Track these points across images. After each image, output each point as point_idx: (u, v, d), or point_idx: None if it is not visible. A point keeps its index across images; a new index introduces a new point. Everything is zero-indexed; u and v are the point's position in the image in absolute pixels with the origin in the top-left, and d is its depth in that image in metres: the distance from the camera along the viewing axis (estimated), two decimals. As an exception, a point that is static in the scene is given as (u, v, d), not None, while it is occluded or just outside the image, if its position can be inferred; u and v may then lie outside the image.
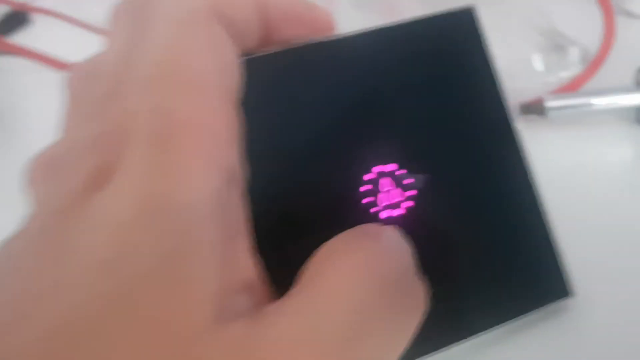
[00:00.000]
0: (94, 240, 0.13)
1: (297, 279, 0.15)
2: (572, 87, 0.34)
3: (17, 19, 0.44)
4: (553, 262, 0.21)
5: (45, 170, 0.16)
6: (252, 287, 0.15)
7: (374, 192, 0.20)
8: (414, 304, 0.16)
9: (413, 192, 0.20)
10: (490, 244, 0.21)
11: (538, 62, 0.35)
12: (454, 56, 0.21)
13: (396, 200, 0.20)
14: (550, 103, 0.32)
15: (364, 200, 0.20)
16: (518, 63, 0.35)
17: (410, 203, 0.20)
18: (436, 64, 0.21)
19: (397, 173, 0.20)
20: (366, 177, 0.20)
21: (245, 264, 0.15)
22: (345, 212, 0.19)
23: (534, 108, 0.32)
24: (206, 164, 0.13)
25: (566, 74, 0.34)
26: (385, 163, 0.20)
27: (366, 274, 0.14)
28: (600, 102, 0.32)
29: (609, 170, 0.30)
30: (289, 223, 0.19)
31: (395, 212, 0.20)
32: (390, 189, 0.20)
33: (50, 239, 0.13)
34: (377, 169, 0.20)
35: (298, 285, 0.14)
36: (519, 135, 0.21)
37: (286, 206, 0.19)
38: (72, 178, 0.14)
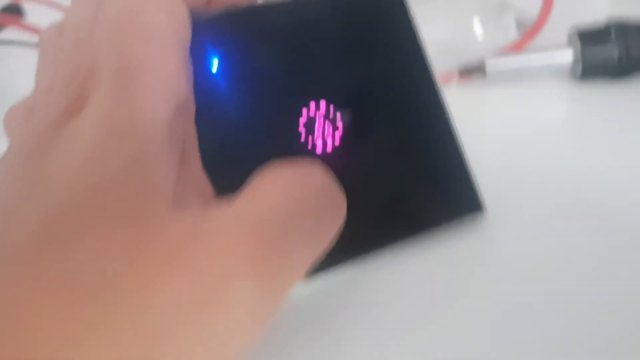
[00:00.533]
0: (70, 154, 0.16)
1: (243, 186, 0.18)
2: (513, 49, 0.38)
3: (12, 10, 0.48)
4: (466, 181, 0.25)
5: (21, 114, 0.20)
6: (202, 190, 0.19)
7: (309, 129, 0.23)
8: (334, 211, 0.19)
9: (340, 125, 0.24)
10: (408, 167, 0.24)
11: (480, 27, 0.38)
12: (380, 11, 0.25)
13: (328, 135, 0.24)
14: (489, 63, 0.35)
15: (302, 139, 0.23)
16: (463, 27, 0.38)
17: (339, 135, 0.24)
18: (364, 18, 0.25)
19: (329, 110, 0.24)
20: (302, 118, 0.23)
21: (196, 172, 0.18)
22: (285, 141, 0.23)
23: (475, 68, 0.35)
24: (160, 93, 0.17)
25: (508, 38, 0.38)
26: (316, 100, 0.23)
27: (297, 182, 0.18)
28: (536, 60, 0.35)
29: (543, 119, 0.34)
30: (238, 153, 0.22)
31: (328, 145, 0.24)
32: (321, 126, 0.24)
33: (32, 155, 0.17)
34: (311, 106, 0.23)
35: (242, 189, 0.18)
36: (436, 79, 0.25)
37: (235, 138, 0.22)
38: (50, 111, 0.17)
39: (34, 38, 0.50)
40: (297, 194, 0.18)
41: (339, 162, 0.23)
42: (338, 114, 0.24)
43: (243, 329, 0.16)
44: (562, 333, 0.22)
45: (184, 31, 0.19)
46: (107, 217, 0.15)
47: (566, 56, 0.35)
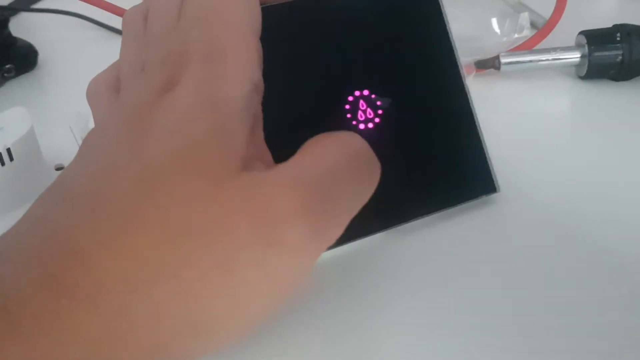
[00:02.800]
0: (166, 121, 0.20)
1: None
2: (525, 47, 0.41)
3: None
4: (483, 165, 0.28)
5: (105, 86, 0.24)
6: (264, 157, 0.22)
7: (354, 109, 0.27)
8: (372, 171, 0.22)
9: (381, 111, 0.27)
10: (433, 150, 0.28)
11: (497, 26, 0.41)
12: (415, 11, 0.28)
13: (370, 115, 0.27)
14: (503, 58, 0.39)
15: (348, 115, 0.27)
16: (482, 25, 0.42)
17: (378, 119, 0.27)
18: (399, 17, 0.28)
19: (370, 97, 0.27)
20: (349, 98, 0.27)
21: (260, 143, 0.22)
22: (333, 123, 0.27)
23: (490, 62, 0.39)
24: (241, 76, 0.20)
25: (520, 36, 0.41)
26: (361, 89, 0.27)
27: (339, 147, 0.22)
28: (545, 58, 0.39)
29: (550, 112, 0.38)
30: (292, 127, 0.26)
31: (369, 125, 0.27)
32: (365, 108, 0.27)
33: (134, 122, 0.20)
34: (356, 93, 0.27)
35: (293, 156, 0.21)
36: (462, 72, 0.28)
37: (291, 114, 0.26)
38: (146, 87, 0.21)
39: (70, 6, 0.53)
40: (339, 156, 0.21)
41: (375, 142, 0.26)
42: (378, 102, 0.27)
43: (296, 267, 0.20)
44: (564, 317, 0.25)
45: (258, 21, 0.22)
46: (191, 171, 0.19)
47: (573, 56, 0.39)
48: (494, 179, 0.29)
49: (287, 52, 0.26)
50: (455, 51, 0.29)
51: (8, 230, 0.19)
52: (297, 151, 0.21)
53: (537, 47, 0.42)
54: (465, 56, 0.40)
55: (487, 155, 0.29)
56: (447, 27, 0.29)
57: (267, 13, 0.23)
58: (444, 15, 0.29)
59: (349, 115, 0.27)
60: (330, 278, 0.27)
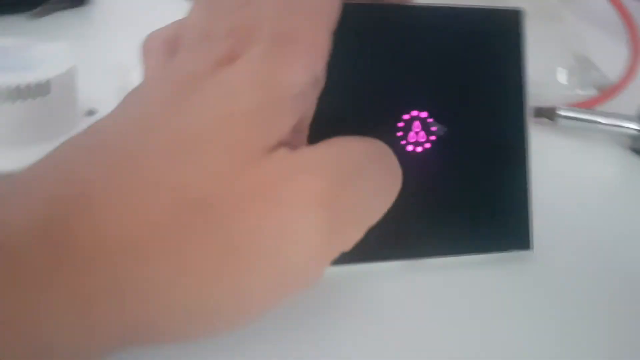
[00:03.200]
0: (216, 90, 0.19)
1: None
2: (586, 105, 0.40)
3: None
4: (524, 219, 0.27)
5: (161, 44, 0.23)
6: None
7: (407, 129, 0.26)
8: (393, 178, 0.21)
9: (434, 137, 0.26)
10: (477, 190, 0.27)
11: (563, 77, 0.40)
12: (496, 45, 0.27)
13: (421, 139, 0.26)
14: (562, 111, 0.37)
15: (398, 133, 0.26)
16: (546, 73, 0.40)
17: (429, 145, 0.26)
18: (480, 47, 0.27)
19: (427, 120, 0.26)
20: (404, 116, 0.26)
21: (304, 139, 0.21)
22: (381, 137, 0.25)
23: (547, 112, 0.38)
24: (303, 67, 0.19)
25: (584, 93, 0.40)
26: (420, 110, 0.26)
27: (365, 145, 0.21)
28: (602, 122, 0.37)
29: (594, 177, 0.36)
30: (339, 130, 0.25)
31: (418, 148, 0.26)
32: (418, 131, 0.26)
33: (186, 87, 0.19)
34: (413, 113, 0.26)
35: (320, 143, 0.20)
36: (527, 123, 0.27)
37: (342, 117, 0.25)
38: (207, 56, 0.20)
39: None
40: (365, 153, 0.20)
41: (419, 167, 0.25)
42: (434, 127, 0.26)
43: (307, 264, 0.19)
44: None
45: (335, 14, 0.21)
46: (223, 146, 0.18)
47: (630, 128, 0.38)
48: (530, 236, 0.27)
49: (356, 53, 0.25)
50: (525, 93, 0.27)
51: (27, 168, 0.18)
52: (323, 141, 0.20)
53: (598, 108, 0.40)
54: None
55: (529, 209, 0.27)
56: (524, 66, 0.27)
57: (347, 9, 0.22)
58: (523, 52, 0.27)
59: (399, 134, 0.26)
60: (332, 294, 0.25)
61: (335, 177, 0.19)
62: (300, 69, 0.19)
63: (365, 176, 0.20)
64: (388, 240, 0.25)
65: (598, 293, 0.28)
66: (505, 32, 0.27)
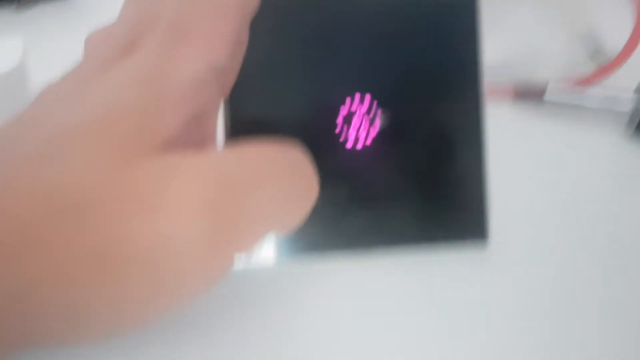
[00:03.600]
0: (103, 88, 0.18)
1: None
2: (580, 83, 0.37)
3: None
4: (480, 208, 0.25)
5: (99, 39, 0.22)
6: (205, 146, 0.20)
7: (346, 124, 0.24)
8: (303, 189, 0.20)
9: (375, 131, 0.24)
10: (427, 179, 0.25)
11: (554, 54, 0.37)
12: (448, 25, 0.25)
13: (362, 134, 0.24)
14: (550, 89, 0.35)
15: (336, 130, 0.24)
16: (536, 51, 0.38)
17: (370, 139, 0.24)
18: (431, 27, 0.25)
19: (370, 107, 0.24)
20: (344, 105, 0.24)
21: (207, 136, 0.20)
22: (319, 129, 0.24)
23: (534, 92, 0.35)
24: (198, 58, 0.18)
25: (578, 71, 0.37)
26: (362, 92, 0.24)
27: (272, 149, 0.19)
28: (595, 98, 0.35)
29: (582, 162, 0.33)
30: (275, 123, 0.23)
31: (358, 145, 0.24)
32: (360, 120, 0.24)
33: (84, 81, 0.19)
34: (354, 104, 0.24)
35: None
36: (483, 105, 0.25)
37: (277, 111, 0.23)
38: (112, 47, 0.20)
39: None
40: (268, 160, 0.19)
41: (365, 158, 0.24)
42: (379, 112, 0.24)
43: (191, 273, 0.18)
44: None
45: (249, 2, 0.20)
46: (102, 146, 0.17)
47: (625, 105, 0.35)
48: (486, 225, 0.25)
49: (284, 38, 0.23)
50: (480, 73, 0.25)
51: None
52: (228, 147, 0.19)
53: (594, 84, 0.37)
54: (512, 77, 0.36)
55: (486, 197, 0.25)
56: (479, 44, 0.25)
57: None
58: (478, 27, 0.25)
59: (338, 123, 0.24)
60: (273, 290, 0.24)
61: (222, 183, 0.18)
62: (191, 61, 0.18)
63: (263, 185, 0.19)
64: (332, 233, 0.24)
65: (558, 285, 0.26)
66: (459, 8, 0.25)
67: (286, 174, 0.19)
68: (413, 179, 0.25)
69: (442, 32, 0.25)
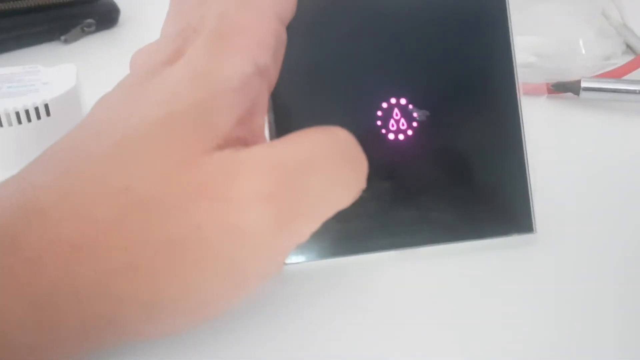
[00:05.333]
0: (158, 91, 0.19)
1: None
2: (614, 75, 0.37)
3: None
4: (524, 201, 0.26)
5: (145, 55, 0.23)
6: (256, 141, 0.21)
7: (387, 117, 0.25)
8: (355, 166, 0.21)
9: (416, 123, 0.25)
10: (469, 176, 0.25)
11: (585, 47, 0.38)
12: (478, 22, 0.26)
13: (402, 127, 0.25)
14: (585, 82, 0.35)
15: (378, 122, 0.25)
16: (568, 44, 0.38)
17: (411, 131, 0.25)
18: (463, 29, 0.26)
19: (407, 106, 0.25)
20: (383, 104, 0.25)
21: (257, 130, 0.21)
22: (361, 128, 0.25)
23: (570, 86, 0.36)
24: (243, 56, 0.20)
25: (609, 62, 0.37)
26: (398, 97, 0.25)
27: (324, 137, 0.20)
28: (632, 89, 0.35)
29: (622, 154, 0.33)
30: (315, 121, 0.24)
31: (400, 136, 0.25)
32: (398, 118, 0.25)
33: (135, 88, 0.20)
34: (392, 99, 0.25)
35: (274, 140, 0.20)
36: (519, 100, 0.26)
37: (317, 109, 0.24)
38: (159, 56, 0.21)
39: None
40: (319, 145, 0.20)
41: (403, 156, 0.25)
42: (415, 113, 0.25)
43: (259, 259, 0.19)
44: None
45: (286, 7, 0.21)
46: (165, 146, 0.18)
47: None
48: (532, 218, 0.26)
49: (326, 41, 0.24)
50: (514, 69, 0.26)
51: None
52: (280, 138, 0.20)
53: (629, 77, 0.38)
54: (545, 74, 0.37)
55: (529, 190, 0.26)
56: (511, 42, 0.26)
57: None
58: (509, 26, 0.26)
59: (379, 123, 0.25)
60: (322, 288, 0.25)
61: (285, 172, 0.19)
62: (237, 59, 0.19)
63: (318, 169, 0.20)
64: (378, 230, 0.25)
65: (606, 278, 0.26)
66: (489, 9, 0.26)
67: (337, 155, 0.20)
68: (455, 175, 0.26)
69: (474, 33, 0.26)
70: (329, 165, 0.20)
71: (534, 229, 0.26)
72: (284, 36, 0.21)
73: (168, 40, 0.21)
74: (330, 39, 0.24)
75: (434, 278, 0.25)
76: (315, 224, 0.20)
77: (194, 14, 0.21)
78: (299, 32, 0.22)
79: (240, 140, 0.19)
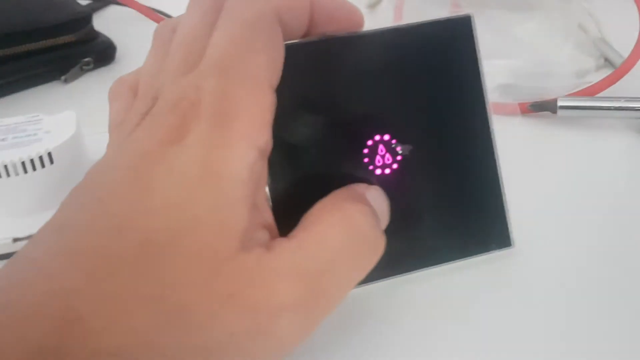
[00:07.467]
0: (168, 184, 0.19)
1: (300, 223, 0.22)
2: (590, 92, 0.39)
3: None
4: (501, 218, 0.28)
5: (125, 89, 0.24)
6: (268, 226, 0.21)
7: (373, 153, 0.27)
8: (374, 251, 0.22)
9: (400, 157, 0.27)
10: (450, 201, 0.27)
11: (561, 65, 0.39)
12: (449, 55, 0.27)
13: (388, 161, 0.27)
14: (562, 101, 0.37)
15: (365, 160, 0.27)
16: (548, 64, 0.40)
17: (396, 165, 0.27)
18: (433, 60, 0.27)
19: (391, 142, 0.27)
20: (368, 142, 0.27)
21: (264, 212, 0.22)
22: (350, 168, 0.26)
23: (547, 105, 0.37)
24: (248, 144, 0.20)
25: (585, 81, 0.39)
26: (382, 133, 0.27)
27: (344, 228, 0.21)
28: (607, 106, 0.36)
29: (599, 170, 0.35)
30: (306, 166, 0.26)
31: (386, 170, 0.27)
32: (384, 153, 0.27)
33: (138, 175, 0.20)
34: (376, 137, 0.27)
35: (297, 229, 0.21)
36: (491, 121, 0.27)
37: (307, 153, 0.26)
38: (154, 132, 0.20)
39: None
40: (343, 240, 0.21)
41: (390, 188, 0.26)
42: (399, 148, 0.27)
43: (279, 352, 0.20)
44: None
45: (276, 73, 0.22)
46: (190, 253, 0.19)
47: (636, 111, 0.36)
48: (509, 233, 0.28)
49: (308, 90, 0.26)
50: (485, 96, 0.27)
51: (11, 264, 0.19)
52: (300, 224, 0.21)
53: (606, 93, 0.39)
54: (523, 95, 0.38)
55: (505, 207, 0.28)
56: (480, 70, 0.27)
57: (291, 50, 0.23)
58: (478, 56, 0.27)
59: (366, 160, 0.27)
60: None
61: (306, 280, 0.20)
62: (243, 148, 0.20)
63: (341, 267, 0.21)
64: (381, 263, 0.27)
65: (579, 285, 0.27)
66: (456, 40, 0.27)
67: (357, 247, 0.21)
68: (438, 201, 0.27)
69: (444, 66, 0.27)
70: (350, 261, 0.21)
71: (512, 243, 0.28)
72: (275, 102, 0.21)
73: (161, 111, 0.21)
74: (313, 92, 0.26)
75: (424, 299, 0.27)
76: (336, 305, 0.21)
77: (188, 84, 0.21)
78: (287, 84, 0.23)
79: (256, 224, 0.20)
